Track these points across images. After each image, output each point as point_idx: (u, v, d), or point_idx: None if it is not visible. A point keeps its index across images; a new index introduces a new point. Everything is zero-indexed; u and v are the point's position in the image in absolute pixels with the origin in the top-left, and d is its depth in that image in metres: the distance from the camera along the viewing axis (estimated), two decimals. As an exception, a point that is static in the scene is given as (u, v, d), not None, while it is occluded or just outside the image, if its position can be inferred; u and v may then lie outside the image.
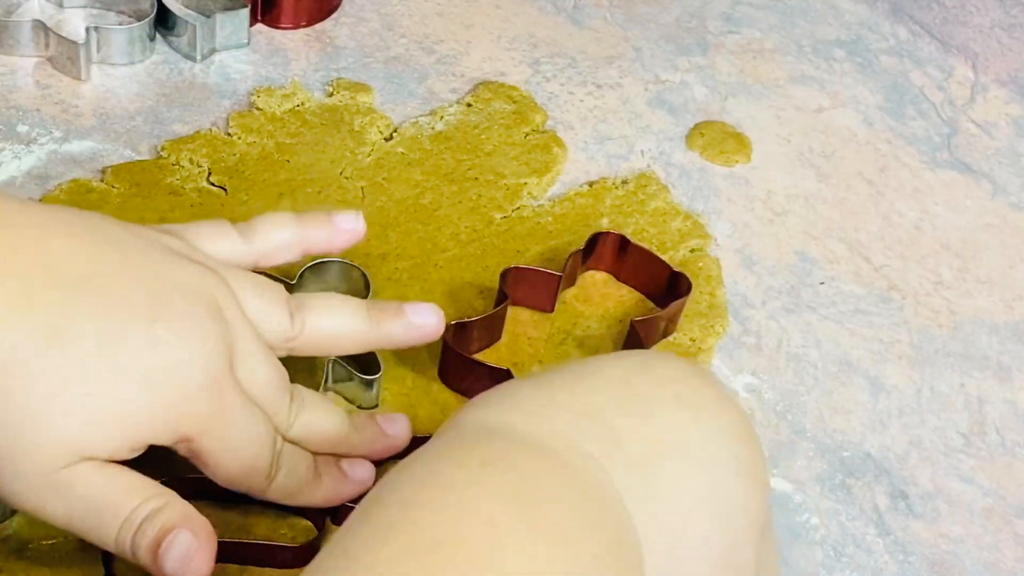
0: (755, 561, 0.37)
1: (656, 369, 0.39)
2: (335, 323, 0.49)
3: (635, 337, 0.55)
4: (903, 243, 0.65)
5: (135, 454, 0.43)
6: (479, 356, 0.55)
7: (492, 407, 0.36)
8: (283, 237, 0.50)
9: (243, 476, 0.45)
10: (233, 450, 0.44)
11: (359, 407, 0.53)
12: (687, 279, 0.57)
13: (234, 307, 0.45)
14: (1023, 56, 0.73)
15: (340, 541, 0.32)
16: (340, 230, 0.52)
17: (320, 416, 0.48)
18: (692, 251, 0.62)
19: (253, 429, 0.45)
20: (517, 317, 0.57)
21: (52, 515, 0.42)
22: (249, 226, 0.50)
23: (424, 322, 0.50)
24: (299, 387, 0.48)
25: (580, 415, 0.36)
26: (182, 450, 0.44)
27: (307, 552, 0.48)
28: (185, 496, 0.49)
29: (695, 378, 0.39)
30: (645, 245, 0.60)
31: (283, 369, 0.47)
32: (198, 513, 0.43)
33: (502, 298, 0.56)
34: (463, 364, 0.54)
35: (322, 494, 0.48)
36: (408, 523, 0.31)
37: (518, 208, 0.62)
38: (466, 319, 0.55)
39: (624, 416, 0.36)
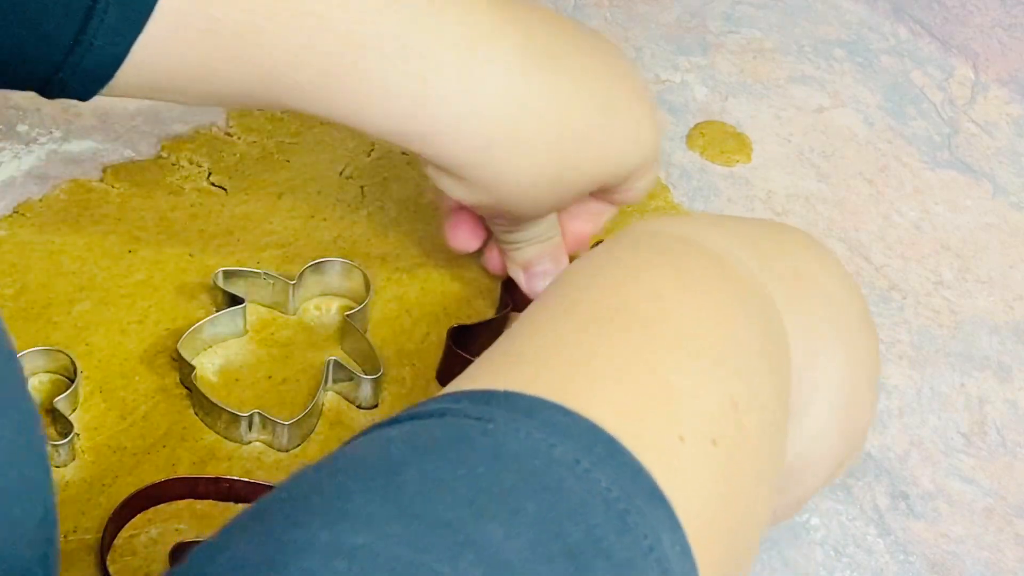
0: (872, 407, 0.43)
1: (784, 227, 0.46)
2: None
3: None
4: (903, 243, 0.65)
5: None
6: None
7: (659, 222, 0.42)
8: None
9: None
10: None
11: (359, 407, 0.53)
12: None
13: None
14: (1023, 56, 0.73)
15: (528, 318, 0.37)
16: None
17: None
18: (692, 251, 0.62)
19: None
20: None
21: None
22: None
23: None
24: None
25: (735, 235, 0.42)
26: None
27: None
28: (184, 496, 0.49)
29: (813, 240, 0.45)
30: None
31: None
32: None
33: (504, 304, 0.56)
34: (465, 366, 0.54)
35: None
36: (587, 301, 0.37)
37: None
38: (468, 322, 0.55)
39: (769, 243, 0.42)
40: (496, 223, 0.54)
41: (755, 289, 0.39)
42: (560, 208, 0.53)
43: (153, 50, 0.44)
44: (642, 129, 0.52)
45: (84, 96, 0.46)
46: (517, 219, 0.53)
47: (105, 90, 0.46)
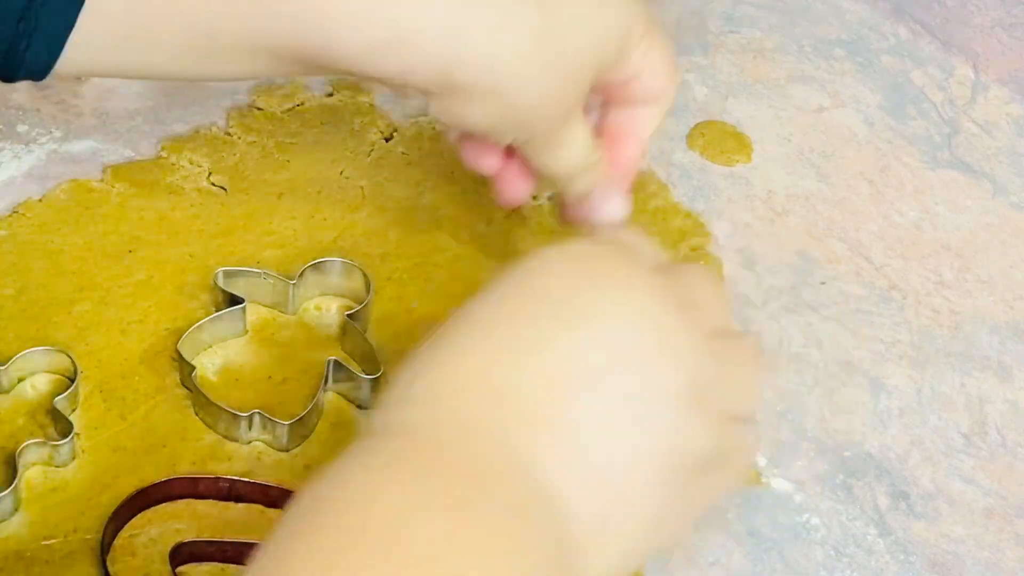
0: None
1: (537, 286, 0.40)
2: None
3: None
4: (904, 243, 0.65)
5: None
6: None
7: (392, 409, 0.38)
8: None
9: None
10: None
11: (359, 407, 0.53)
12: None
13: None
14: (1023, 56, 0.73)
15: (271, 537, 0.34)
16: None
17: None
18: (692, 250, 0.62)
19: None
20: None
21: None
22: None
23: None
24: None
25: (468, 387, 0.38)
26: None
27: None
28: (184, 496, 0.49)
29: (586, 280, 0.40)
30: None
31: None
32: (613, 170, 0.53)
33: None
34: None
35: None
36: (321, 523, 0.34)
37: (518, 208, 0.62)
38: None
39: (513, 365, 0.38)
40: (529, 150, 0.52)
41: (495, 466, 0.36)
42: (573, 102, 0.50)
43: (98, 18, 0.45)
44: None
45: (41, 73, 0.46)
46: (536, 129, 0.50)
47: (59, 65, 0.46)
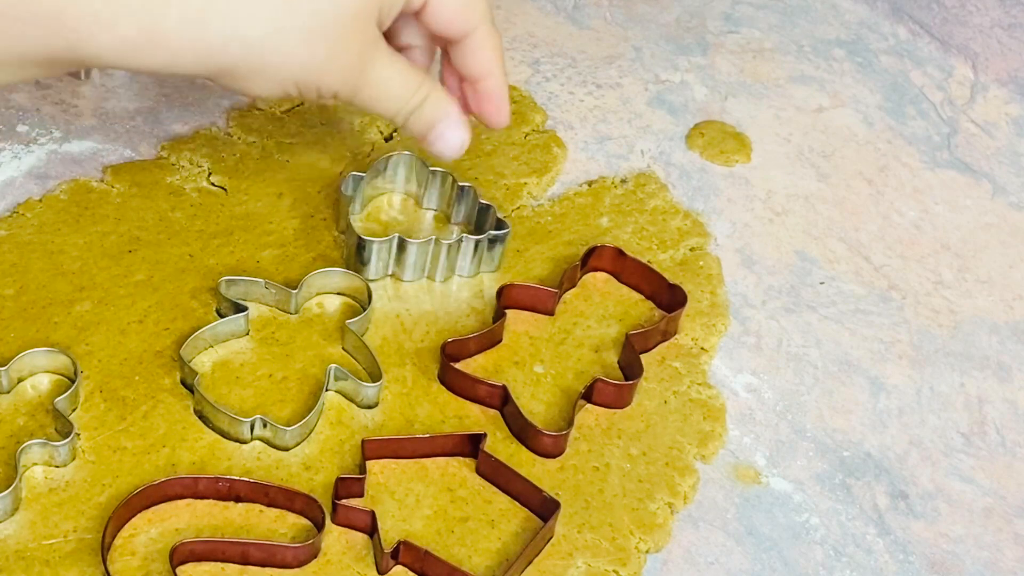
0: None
1: None
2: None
3: (631, 349, 0.55)
4: (903, 243, 0.65)
5: None
6: (479, 357, 0.55)
7: None
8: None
9: None
10: None
11: (358, 406, 0.53)
12: (683, 291, 0.57)
13: None
14: (1023, 56, 0.73)
15: None
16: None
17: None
18: (692, 250, 0.62)
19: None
20: (518, 316, 0.57)
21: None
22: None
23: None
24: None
25: None
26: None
27: (307, 552, 0.48)
28: (184, 496, 0.49)
29: None
30: (643, 246, 0.60)
31: None
32: (451, 101, 0.54)
33: (499, 315, 0.56)
34: (460, 377, 0.54)
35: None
36: None
37: (518, 208, 0.62)
38: (462, 337, 0.54)
39: None
40: (344, 100, 0.52)
41: None
42: (357, 52, 0.50)
43: None
44: None
45: None
46: (330, 86, 0.50)
47: None
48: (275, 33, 0.47)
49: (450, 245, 0.57)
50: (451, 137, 0.54)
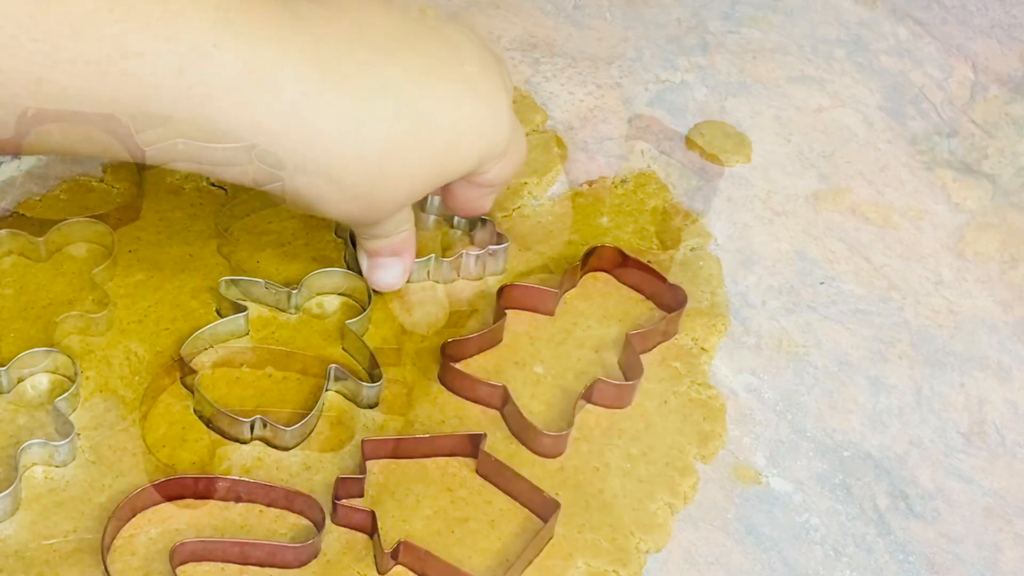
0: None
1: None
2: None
3: (631, 349, 0.55)
4: (903, 243, 0.65)
5: None
6: (479, 357, 0.55)
7: None
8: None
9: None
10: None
11: (358, 405, 0.53)
12: (683, 292, 0.57)
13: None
14: (1023, 56, 0.73)
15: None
16: None
17: None
18: (692, 250, 0.62)
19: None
20: (518, 316, 0.57)
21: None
22: None
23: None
24: None
25: None
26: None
27: (307, 552, 0.48)
28: (184, 496, 0.49)
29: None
30: (643, 246, 0.59)
31: None
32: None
33: (500, 315, 0.56)
34: (460, 378, 0.54)
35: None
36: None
37: (518, 207, 0.62)
38: (462, 337, 0.55)
39: None
40: (354, 226, 0.55)
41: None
42: (389, 214, 0.52)
43: None
44: (479, 122, 0.51)
45: None
46: (372, 218, 0.53)
47: None
48: (330, 199, 0.50)
49: (450, 262, 0.57)
50: (397, 275, 0.56)
